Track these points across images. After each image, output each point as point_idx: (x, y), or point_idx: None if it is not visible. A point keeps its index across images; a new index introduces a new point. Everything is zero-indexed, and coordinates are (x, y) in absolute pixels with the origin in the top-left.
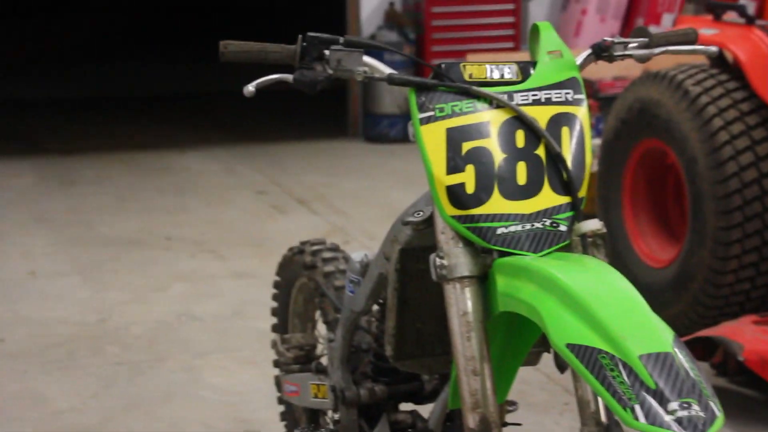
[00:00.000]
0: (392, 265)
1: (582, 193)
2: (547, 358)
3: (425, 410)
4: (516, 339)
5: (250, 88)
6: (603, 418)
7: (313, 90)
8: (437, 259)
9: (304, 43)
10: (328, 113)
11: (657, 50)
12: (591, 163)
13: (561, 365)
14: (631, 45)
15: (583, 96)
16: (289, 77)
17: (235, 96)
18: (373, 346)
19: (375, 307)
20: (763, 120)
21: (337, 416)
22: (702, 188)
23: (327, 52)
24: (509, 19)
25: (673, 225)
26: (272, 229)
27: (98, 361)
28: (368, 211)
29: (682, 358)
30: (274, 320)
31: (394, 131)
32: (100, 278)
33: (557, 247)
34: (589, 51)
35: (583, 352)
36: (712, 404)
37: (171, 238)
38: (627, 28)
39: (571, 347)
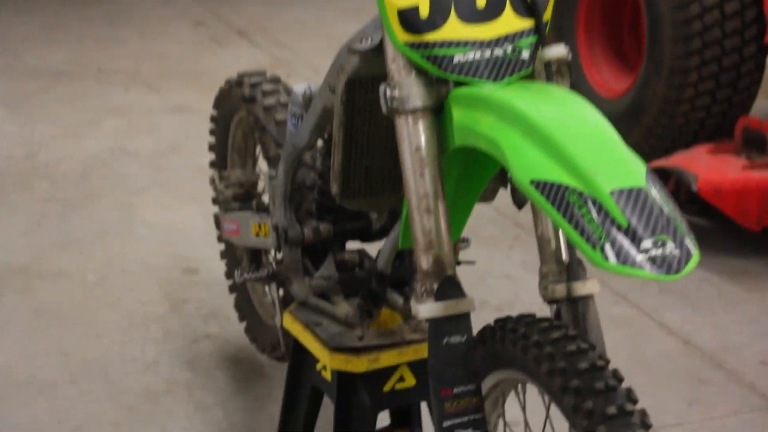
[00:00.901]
0: (338, 97)
1: (547, 16)
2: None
3: (373, 249)
4: (471, 174)
5: None
6: (564, 256)
7: None
8: (388, 90)
9: None
10: None
11: None
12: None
13: (519, 201)
14: None
15: None
16: None
17: None
18: (318, 183)
19: (319, 143)
20: None
21: (279, 256)
22: (661, 14)
23: None
24: None
25: (628, 55)
26: (211, 62)
27: (27, 197)
28: (312, 43)
29: (656, 193)
30: (212, 156)
31: None
32: (27, 111)
33: (519, 75)
34: None
35: (548, 188)
36: (687, 241)
37: (103, 70)
38: None
39: (536, 184)
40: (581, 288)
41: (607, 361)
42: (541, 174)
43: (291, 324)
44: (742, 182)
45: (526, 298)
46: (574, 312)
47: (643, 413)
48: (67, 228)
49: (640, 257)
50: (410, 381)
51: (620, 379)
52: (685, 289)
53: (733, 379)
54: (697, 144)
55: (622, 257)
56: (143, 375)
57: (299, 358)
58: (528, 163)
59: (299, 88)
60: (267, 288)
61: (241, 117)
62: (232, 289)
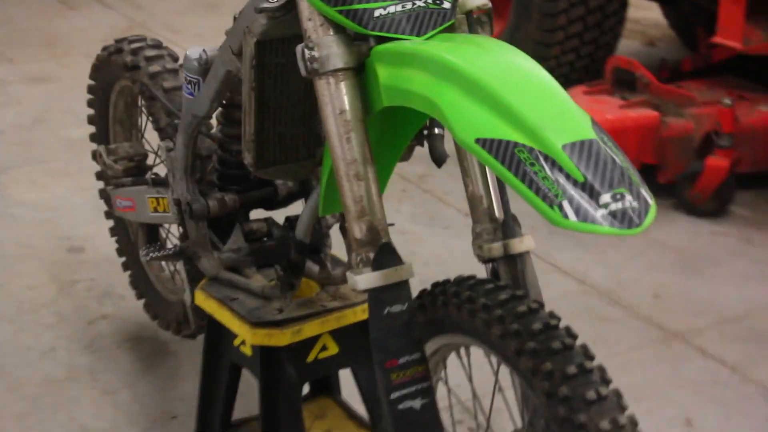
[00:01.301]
0: (247, 62)
1: None
2: None
3: (278, 216)
4: (392, 134)
5: None
6: (498, 213)
7: None
8: (306, 51)
9: None
10: None
11: None
12: None
13: (438, 159)
14: None
15: None
16: None
17: None
18: (218, 153)
19: (218, 110)
20: None
21: (178, 228)
22: None
23: None
24: None
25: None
26: (64, 27)
27: None
28: (169, 3)
29: (605, 144)
30: (92, 129)
31: None
32: None
33: (442, 27)
34: None
35: (496, 146)
36: (643, 192)
37: None
38: None
39: (482, 142)
40: (518, 245)
41: (559, 319)
42: (486, 132)
43: (204, 301)
44: (621, 122)
45: (423, 252)
46: (512, 270)
47: (602, 369)
48: None
49: (600, 213)
50: (333, 349)
51: (575, 337)
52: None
53: (631, 314)
54: (571, 87)
55: (582, 214)
56: (41, 363)
57: (215, 335)
58: (471, 122)
59: (193, 52)
60: (166, 264)
61: (122, 86)
62: (126, 266)
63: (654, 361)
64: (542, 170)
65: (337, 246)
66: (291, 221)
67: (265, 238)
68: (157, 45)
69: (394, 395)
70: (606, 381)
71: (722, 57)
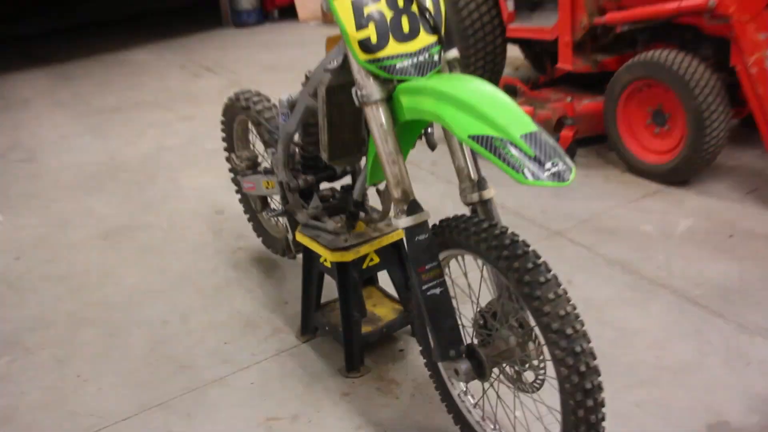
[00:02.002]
0: (321, 99)
1: (442, 33)
2: None
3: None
4: (407, 134)
5: None
6: (473, 175)
7: None
8: (358, 91)
9: None
10: (209, 15)
11: None
12: (446, 13)
13: (431, 146)
14: None
15: None
16: None
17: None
18: (300, 152)
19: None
20: None
21: (278, 200)
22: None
23: None
24: None
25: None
26: (196, 88)
27: (117, 183)
28: (249, 69)
29: (542, 132)
30: (224, 144)
31: (251, 19)
32: (103, 134)
33: (434, 71)
34: None
35: (482, 139)
36: (567, 161)
37: (138, 102)
38: None
39: (473, 137)
40: (488, 193)
41: (518, 236)
42: (474, 130)
43: (301, 237)
44: None
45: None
46: (485, 209)
47: (545, 263)
48: (144, 198)
49: (545, 174)
50: (376, 260)
51: (528, 245)
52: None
53: (530, 223)
54: None
55: (535, 176)
56: (210, 276)
57: (309, 256)
58: (464, 125)
59: (284, 96)
60: (277, 219)
61: (240, 119)
62: (249, 220)
63: (546, 249)
64: (510, 152)
65: (372, 201)
66: (345, 188)
67: (331, 199)
68: (258, 94)
69: (424, 287)
70: (549, 270)
71: (560, 74)
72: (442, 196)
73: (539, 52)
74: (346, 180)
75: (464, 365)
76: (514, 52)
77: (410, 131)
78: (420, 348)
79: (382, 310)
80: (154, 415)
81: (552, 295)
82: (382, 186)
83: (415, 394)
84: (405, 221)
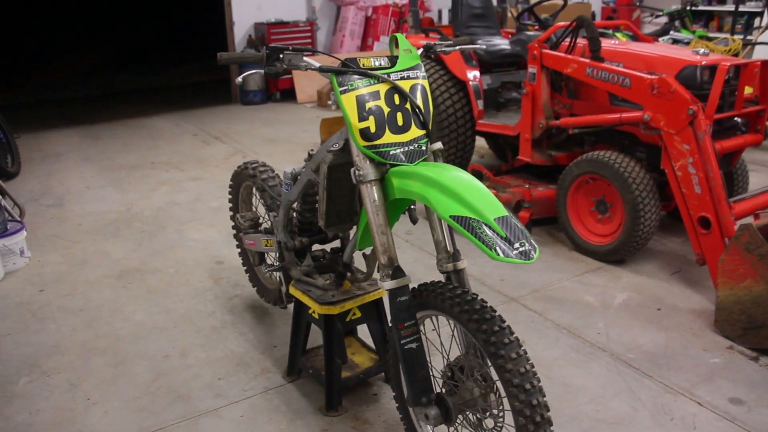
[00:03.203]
0: (322, 175)
1: (430, 128)
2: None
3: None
4: (393, 210)
5: (239, 79)
6: (449, 248)
7: (277, 77)
8: (356, 171)
9: (267, 51)
10: (221, 93)
11: (456, 47)
12: (433, 111)
13: (413, 220)
14: (442, 45)
15: (425, 74)
16: (260, 71)
17: (177, 88)
18: (298, 218)
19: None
20: (456, 85)
21: (276, 257)
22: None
23: (281, 55)
24: (308, 40)
25: None
26: (205, 153)
27: (131, 231)
28: (251, 140)
29: (513, 218)
30: (228, 204)
31: (257, 99)
32: (122, 187)
33: (421, 159)
34: (422, 50)
35: (461, 219)
36: (532, 242)
37: (154, 162)
38: (364, 43)
39: (454, 217)
40: (462, 264)
41: (486, 302)
42: (455, 211)
43: (294, 291)
44: None
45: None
46: (458, 277)
47: (509, 327)
48: (154, 245)
49: (514, 253)
50: (358, 314)
51: (495, 311)
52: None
53: (490, 289)
54: None
55: (505, 253)
56: (208, 319)
57: (299, 307)
58: (446, 206)
59: (288, 170)
60: (272, 273)
61: (246, 185)
62: (246, 271)
63: (503, 312)
64: (485, 232)
65: (357, 263)
66: (334, 251)
67: (322, 259)
68: (264, 165)
69: (403, 341)
70: (512, 333)
71: (519, 164)
72: (414, 262)
73: (502, 144)
74: (336, 244)
75: (433, 411)
76: (480, 142)
77: (397, 207)
78: (393, 394)
79: (360, 358)
80: None
81: (514, 354)
82: (368, 251)
83: None
84: (389, 284)
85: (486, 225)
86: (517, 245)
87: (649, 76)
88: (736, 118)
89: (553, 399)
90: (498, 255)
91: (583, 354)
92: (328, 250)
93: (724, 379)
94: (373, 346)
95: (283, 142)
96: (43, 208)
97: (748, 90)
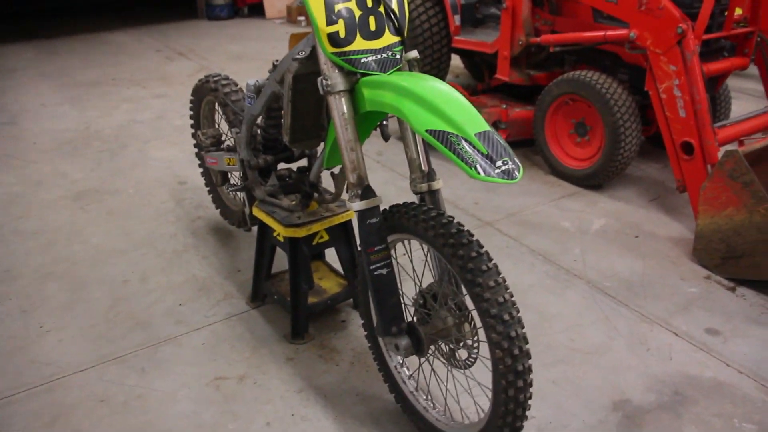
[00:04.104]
0: (287, 86)
1: (405, 34)
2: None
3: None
4: (365, 125)
5: None
6: (424, 166)
7: None
8: (324, 81)
9: None
10: (185, 7)
11: None
12: (408, 16)
13: (385, 137)
14: None
15: None
16: None
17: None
18: (262, 133)
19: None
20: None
21: (239, 177)
22: None
23: None
24: None
25: None
26: (169, 69)
27: (90, 150)
28: (218, 56)
29: (494, 133)
30: (191, 122)
31: (223, 13)
32: (81, 105)
33: (395, 68)
34: None
35: (438, 134)
36: (516, 160)
37: (115, 78)
38: None
39: (430, 132)
40: (437, 184)
41: (463, 225)
42: (431, 125)
43: (258, 212)
44: None
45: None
46: (433, 198)
47: (487, 253)
48: (114, 164)
49: (496, 171)
50: (326, 237)
51: (472, 235)
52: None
53: (464, 213)
54: None
55: (486, 172)
56: (170, 242)
57: (263, 230)
58: (422, 120)
59: (251, 81)
60: (236, 194)
61: (208, 100)
62: (209, 192)
63: (478, 237)
64: (464, 148)
65: (325, 183)
66: (300, 170)
67: (287, 179)
68: (226, 78)
69: (372, 266)
70: (490, 259)
71: (496, 84)
72: (385, 183)
73: (478, 62)
74: (303, 162)
75: (404, 341)
76: (455, 61)
77: (368, 122)
78: (362, 321)
79: (328, 283)
80: (110, 368)
81: (492, 282)
82: (336, 170)
83: (354, 362)
84: (358, 204)
85: (465, 140)
86: (499, 163)
87: None
88: (723, 40)
89: (529, 327)
90: (478, 174)
91: (559, 281)
92: (294, 169)
93: (701, 309)
94: (341, 270)
95: (251, 58)
96: None
97: (737, 11)
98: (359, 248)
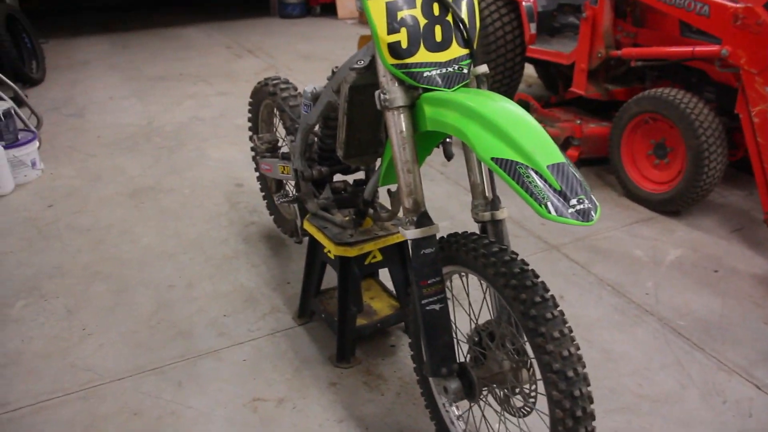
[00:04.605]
0: (343, 97)
1: (474, 47)
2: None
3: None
4: (424, 144)
5: None
6: (488, 194)
7: None
8: (382, 95)
9: None
10: (256, 4)
11: None
12: (479, 27)
13: (448, 156)
14: None
15: None
16: None
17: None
18: (318, 144)
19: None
20: (507, 5)
21: (293, 185)
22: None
23: None
24: None
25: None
26: (236, 67)
27: (150, 146)
28: (286, 55)
29: (569, 164)
30: (249, 124)
31: (296, 12)
32: (146, 99)
33: (462, 84)
34: None
35: (504, 163)
36: (593, 198)
37: (182, 74)
38: None
39: (496, 160)
40: (501, 214)
41: (527, 265)
42: (498, 153)
43: (309, 227)
44: None
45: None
46: (496, 229)
47: (553, 297)
48: (172, 162)
49: (569, 211)
50: (379, 257)
51: (537, 276)
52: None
53: (530, 234)
54: None
55: (559, 212)
56: (220, 247)
57: (313, 245)
58: (488, 146)
59: (308, 88)
60: (290, 205)
61: (266, 103)
62: (264, 198)
63: (542, 261)
64: (534, 181)
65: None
66: (357, 183)
67: (342, 192)
68: (286, 81)
69: (424, 301)
70: (556, 305)
71: (571, 97)
72: (448, 197)
73: (553, 73)
74: (360, 175)
75: (454, 384)
76: (528, 70)
77: (429, 141)
78: (411, 353)
79: (379, 304)
80: (147, 378)
81: (557, 333)
82: (393, 188)
83: (401, 393)
84: (413, 233)
85: (536, 172)
86: (573, 201)
87: (733, 4)
88: None
89: (592, 367)
90: (549, 213)
91: (628, 316)
92: (351, 182)
93: None
94: (394, 291)
95: (320, 58)
96: (63, 117)
97: None
98: (411, 279)
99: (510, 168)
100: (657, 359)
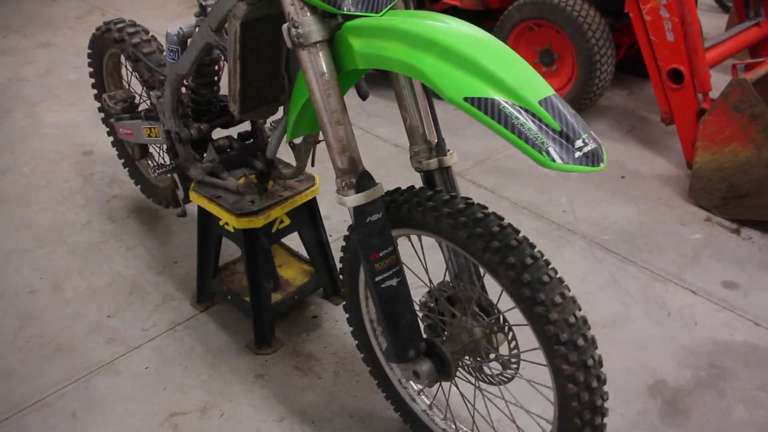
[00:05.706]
0: (233, 37)
1: None
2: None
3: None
4: (342, 85)
5: None
6: (429, 137)
7: None
8: (292, 29)
9: None
10: None
11: None
12: None
13: (363, 95)
14: None
15: None
16: None
17: None
18: (192, 96)
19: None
20: None
21: (164, 150)
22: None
23: None
24: None
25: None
26: (53, 11)
27: None
28: None
29: (559, 98)
30: (90, 81)
31: None
32: None
33: (390, 5)
34: None
35: (484, 104)
36: (593, 135)
37: None
38: None
39: (471, 100)
40: (451, 159)
41: (503, 219)
42: (472, 92)
43: (197, 198)
44: None
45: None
46: (444, 179)
47: (544, 258)
48: (0, 136)
49: (577, 155)
50: (287, 221)
51: (518, 232)
52: (382, 112)
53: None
54: None
55: (565, 158)
56: (83, 232)
57: (205, 218)
58: (456, 84)
59: (173, 30)
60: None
61: (112, 53)
62: (125, 165)
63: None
64: (526, 122)
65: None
66: (243, 136)
67: (228, 150)
68: (133, 24)
69: (378, 278)
70: (548, 264)
71: (440, 9)
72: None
73: None
74: (244, 126)
75: (426, 366)
76: None
77: (344, 81)
78: (350, 328)
79: (290, 272)
80: (29, 417)
81: (558, 298)
82: (298, 140)
83: (339, 372)
84: (354, 199)
85: (526, 111)
86: (579, 143)
87: None
88: None
89: None
90: (553, 161)
91: (553, 239)
92: (235, 137)
93: (711, 258)
94: (305, 254)
95: None
96: None
97: None
98: (361, 254)
99: (492, 109)
100: (593, 280)
